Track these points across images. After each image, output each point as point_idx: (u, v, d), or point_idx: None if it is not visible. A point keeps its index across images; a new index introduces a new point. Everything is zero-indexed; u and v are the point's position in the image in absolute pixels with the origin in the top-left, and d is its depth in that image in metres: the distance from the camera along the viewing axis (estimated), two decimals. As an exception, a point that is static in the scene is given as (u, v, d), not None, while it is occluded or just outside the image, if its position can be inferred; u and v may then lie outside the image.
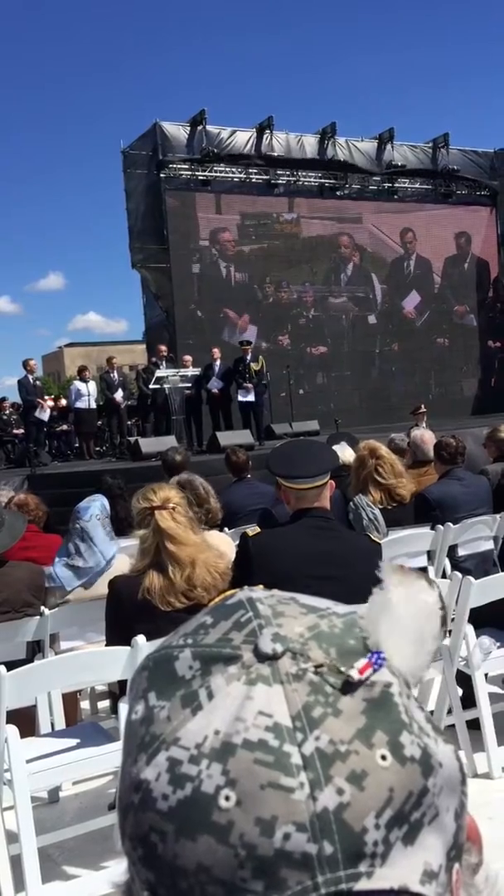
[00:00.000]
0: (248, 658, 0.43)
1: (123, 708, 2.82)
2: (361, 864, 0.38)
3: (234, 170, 19.24)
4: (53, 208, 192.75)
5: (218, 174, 19.08)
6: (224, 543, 4.05)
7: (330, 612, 0.46)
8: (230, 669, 0.42)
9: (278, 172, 19.76)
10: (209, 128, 18.89)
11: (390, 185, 21.35)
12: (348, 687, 0.41)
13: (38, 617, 3.58)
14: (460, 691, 3.78)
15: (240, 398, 14.77)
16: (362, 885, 0.38)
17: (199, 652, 0.44)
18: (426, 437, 6.27)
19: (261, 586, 0.50)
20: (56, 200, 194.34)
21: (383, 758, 0.40)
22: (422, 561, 4.81)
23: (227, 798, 0.39)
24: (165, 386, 13.96)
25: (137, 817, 0.42)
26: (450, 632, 3.82)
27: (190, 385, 14.63)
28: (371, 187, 21.31)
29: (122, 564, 3.65)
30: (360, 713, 0.41)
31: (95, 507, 3.98)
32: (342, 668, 0.42)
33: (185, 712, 0.42)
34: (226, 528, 5.01)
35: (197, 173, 18.85)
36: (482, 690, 3.65)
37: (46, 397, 16.33)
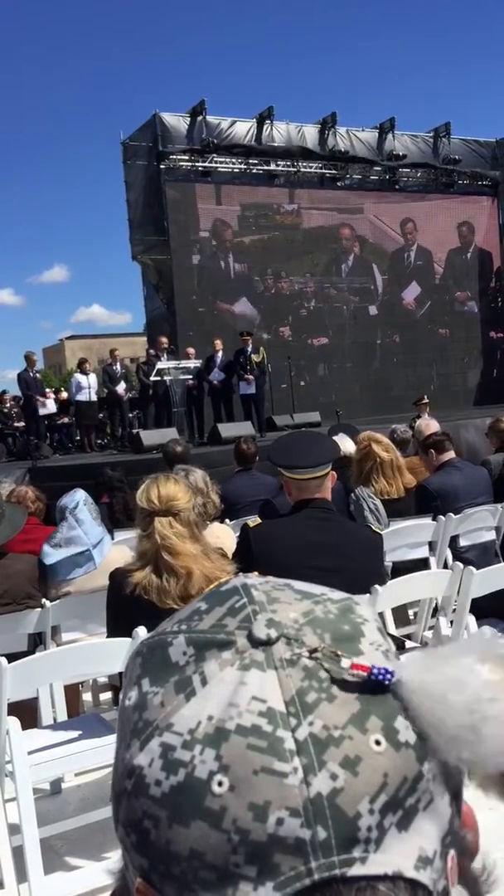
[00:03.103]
0: (242, 644, 0.42)
1: (125, 699, 2.80)
2: (355, 850, 0.38)
3: (234, 160, 19.17)
4: (58, 201, 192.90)
5: (218, 165, 19.02)
6: (226, 535, 4.05)
7: (325, 598, 0.46)
8: (224, 655, 0.42)
9: (279, 163, 19.70)
10: (209, 118, 18.84)
11: (391, 175, 21.27)
12: (336, 680, 0.41)
13: (39, 609, 3.58)
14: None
15: (241, 390, 14.76)
16: (356, 870, 0.38)
17: (193, 638, 0.44)
18: (431, 425, 6.28)
19: (255, 573, 0.50)
20: (61, 193, 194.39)
21: (377, 743, 0.40)
22: (423, 552, 4.81)
23: (220, 783, 0.39)
24: (166, 378, 13.95)
25: (130, 803, 0.42)
26: (451, 623, 3.82)
27: (191, 377, 14.62)
28: (372, 177, 21.24)
29: (123, 555, 3.65)
30: (354, 698, 0.41)
31: (79, 494, 3.97)
32: (338, 652, 0.42)
33: (179, 698, 0.42)
34: (227, 521, 5.01)
35: (197, 164, 18.79)
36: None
37: (48, 390, 16.32)
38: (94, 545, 3.83)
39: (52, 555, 3.77)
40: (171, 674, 0.43)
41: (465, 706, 0.41)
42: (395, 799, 0.39)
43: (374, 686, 0.41)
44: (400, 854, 0.39)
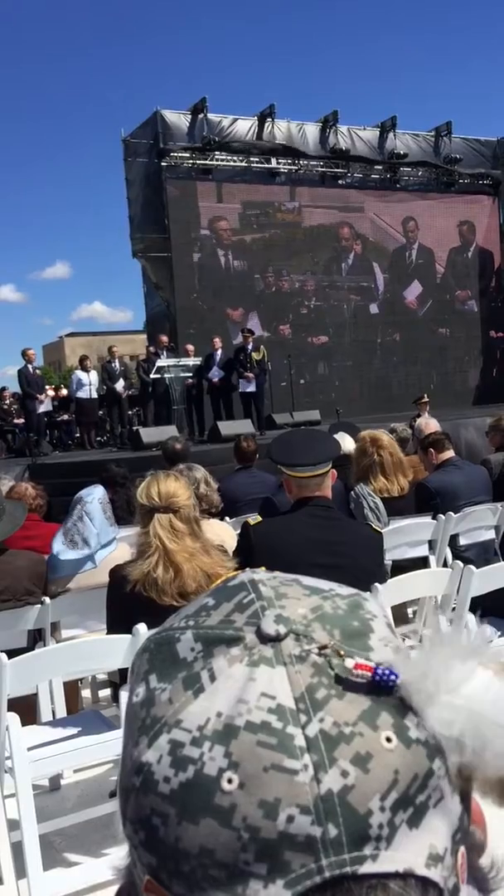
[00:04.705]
0: (250, 640, 0.42)
1: (124, 696, 2.80)
2: (366, 847, 0.38)
3: (235, 158, 19.15)
4: (61, 197, 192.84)
5: (219, 162, 19.00)
6: (226, 533, 4.05)
7: (333, 594, 0.46)
8: (232, 651, 0.42)
9: (280, 161, 19.68)
10: (210, 116, 18.80)
11: (392, 174, 21.26)
12: (341, 680, 0.41)
13: (38, 605, 3.58)
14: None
15: (241, 388, 14.75)
16: (367, 868, 0.38)
17: (200, 634, 0.44)
18: (431, 424, 6.27)
19: (263, 568, 0.49)
20: (64, 189, 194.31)
21: (388, 740, 0.40)
22: (423, 550, 4.81)
23: (229, 780, 0.39)
24: (166, 376, 13.94)
25: (139, 800, 0.42)
26: (451, 621, 3.82)
27: (191, 375, 14.61)
28: (373, 176, 21.23)
29: (123, 553, 3.65)
30: (364, 695, 0.41)
31: (98, 492, 3.98)
32: (342, 652, 0.41)
33: (187, 694, 0.42)
34: (227, 518, 5.01)
35: (198, 162, 18.76)
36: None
37: (47, 387, 16.29)
38: (103, 545, 3.84)
39: (72, 567, 3.79)
40: (178, 670, 0.43)
41: (466, 709, 0.41)
42: (406, 796, 0.39)
43: (378, 688, 0.41)
44: (411, 851, 0.39)
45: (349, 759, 0.39)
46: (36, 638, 3.65)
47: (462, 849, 0.42)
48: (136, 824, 0.42)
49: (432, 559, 4.80)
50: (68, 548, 3.81)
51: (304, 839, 0.37)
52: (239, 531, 3.29)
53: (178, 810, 0.39)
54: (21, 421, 15.85)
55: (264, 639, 0.42)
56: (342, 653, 0.41)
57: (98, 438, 16.64)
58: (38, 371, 15.28)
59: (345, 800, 0.38)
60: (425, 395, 14.24)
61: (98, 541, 3.85)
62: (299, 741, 0.39)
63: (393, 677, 0.41)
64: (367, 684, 0.41)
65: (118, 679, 3.50)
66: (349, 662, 0.41)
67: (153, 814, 0.41)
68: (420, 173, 21.75)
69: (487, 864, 0.46)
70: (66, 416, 17.66)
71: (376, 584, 3.10)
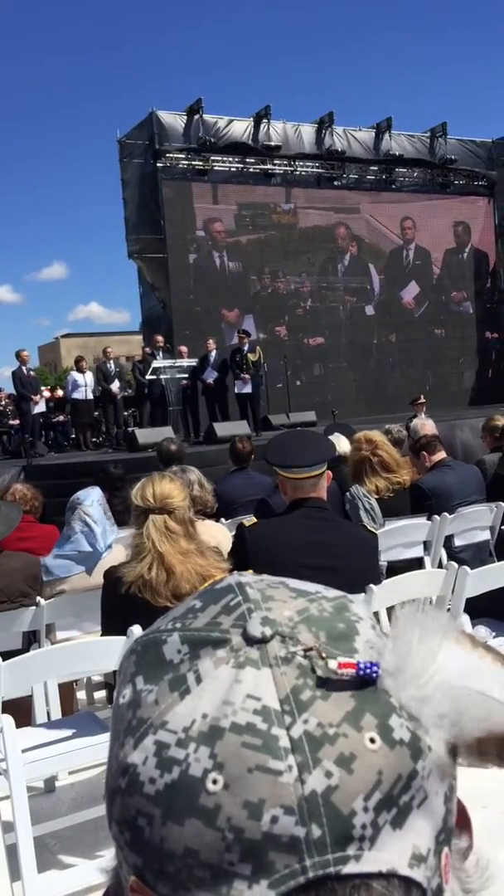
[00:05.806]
0: (236, 642, 0.42)
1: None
2: (350, 848, 0.38)
3: (230, 159, 19.16)
4: (58, 197, 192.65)
5: (215, 164, 19.01)
6: (221, 534, 4.05)
7: (320, 597, 0.46)
8: (219, 653, 0.42)
9: (275, 162, 19.70)
10: (206, 117, 18.80)
11: (388, 175, 21.30)
12: (324, 682, 0.41)
13: (33, 607, 3.57)
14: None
15: (237, 389, 14.75)
16: (350, 868, 0.38)
17: (187, 636, 0.44)
18: (427, 425, 6.26)
19: (250, 571, 0.50)
20: (63, 190, 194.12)
21: (372, 741, 0.40)
22: (418, 551, 4.81)
23: (214, 781, 0.39)
24: (162, 377, 13.94)
25: (124, 801, 0.42)
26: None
27: (187, 376, 14.62)
28: (369, 177, 21.27)
29: (119, 554, 3.65)
30: (348, 696, 0.41)
31: (95, 493, 3.98)
32: (323, 654, 0.42)
33: (173, 696, 0.42)
34: (222, 520, 5.01)
35: (194, 163, 18.77)
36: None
37: (43, 388, 16.27)
38: (102, 550, 3.84)
39: (70, 568, 3.80)
40: (165, 672, 0.43)
41: (439, 684, 0.42)
42: (390, 797, 0.39)
43: (363, 682, 0.41)
44: (394, 852, 0.39)
45: (333, 759, 0.39)
46: (31, 640, 3.65)
47: (446, 849, 0.43)
48: (121, 825, 0.42)
49: (427, 560, 4.81)
50: (74, 560, 3.82)
51: (288, 840, 0.37)
52: (234, 532, 3.30)
53: (163, 811, 0.40)
54: (16, 422, 15.83)
55: (250, 641, 0.42)
56: (326, 654, 0.42)
57: (94, 439, 16.62)
58: (32, 372, 15.27)
59: (328, 800, 0.38)
60: (422, 396, 14.24)
61: (104, 542, 3.85)
62: (284, 742, 0.39)
63: (375, 667, 0.41)
64: (352, 680, 0.41)
65: (113, 681, 3.50)
66: (332, 663, 0.41)
67: (138, 815, 0.41)
68: (415, 174, 21.80)
69: (472, 865, 0.47)
70: (61, 417, 17.65)
71: (371, 586, 3.11)
